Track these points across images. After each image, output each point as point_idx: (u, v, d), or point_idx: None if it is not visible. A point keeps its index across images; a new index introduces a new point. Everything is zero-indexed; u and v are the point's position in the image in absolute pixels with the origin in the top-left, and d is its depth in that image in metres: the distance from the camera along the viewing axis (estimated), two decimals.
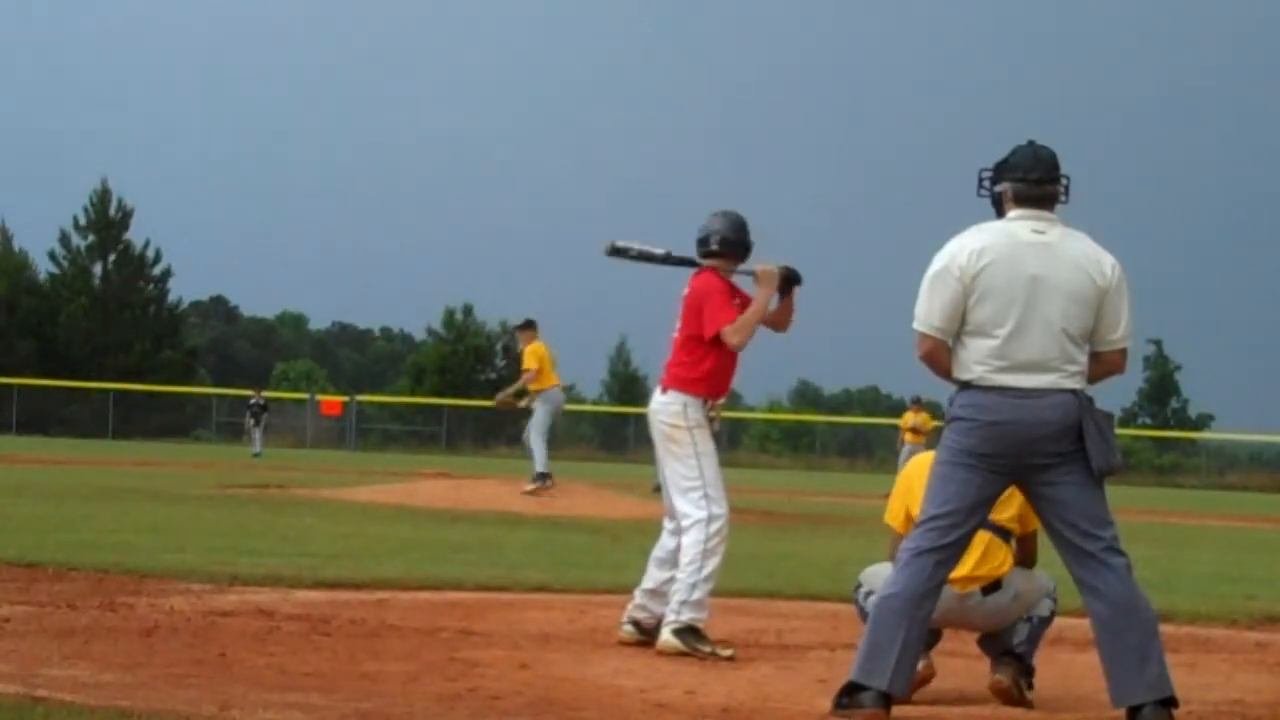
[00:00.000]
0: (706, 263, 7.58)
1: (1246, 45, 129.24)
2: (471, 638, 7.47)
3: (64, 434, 51.80)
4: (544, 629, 7.71)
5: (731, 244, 7.59)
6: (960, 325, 5.62)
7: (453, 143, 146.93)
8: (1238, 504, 35.06)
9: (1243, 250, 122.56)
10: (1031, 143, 5.79)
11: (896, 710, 5.67)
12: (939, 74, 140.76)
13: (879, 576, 6.19)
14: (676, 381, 7.52)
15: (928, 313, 5.65)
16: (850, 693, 5.64)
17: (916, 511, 5.96)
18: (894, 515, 6.48)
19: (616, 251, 7.64)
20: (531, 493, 18.65)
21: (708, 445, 7.47)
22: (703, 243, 7.63)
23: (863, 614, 6.23)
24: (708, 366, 7.48)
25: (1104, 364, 5.71)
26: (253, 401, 44.10)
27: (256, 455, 39.38)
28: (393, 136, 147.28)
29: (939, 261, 5.66)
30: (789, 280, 7.56)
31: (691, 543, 7.30)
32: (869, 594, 6.27)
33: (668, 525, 7.55)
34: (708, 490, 7.38)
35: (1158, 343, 70.37)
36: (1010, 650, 6.33)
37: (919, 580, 5.62)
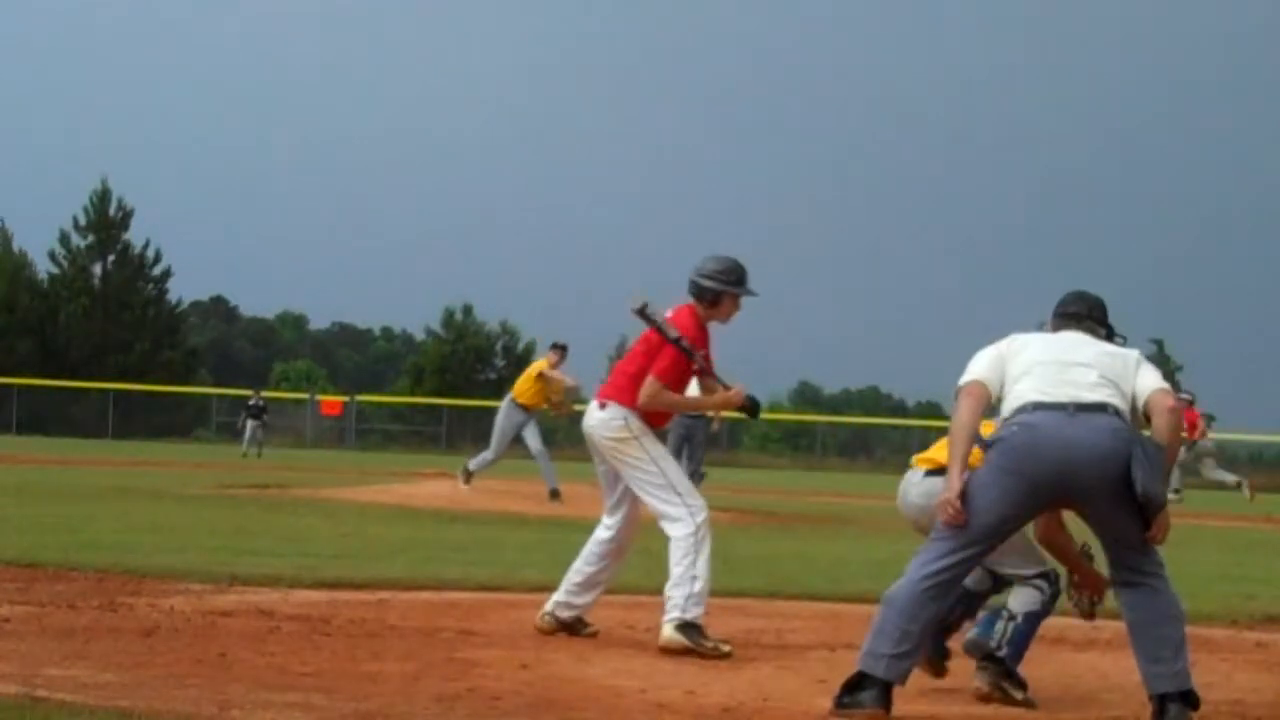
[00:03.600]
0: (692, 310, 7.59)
1: (1248, 45, 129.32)
2: (471, 638, 7.48)
3: (64, 434, 51.79)
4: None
5: (720, 295, 7.57)
6: (1000, 384, 5.82)
7: (453, 143, 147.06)
8: (1238, 504, 35.03)
9: (1243, 250, 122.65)
10: (1081, 292, 6.17)
11: (897, 710, 5.68)
12: (939, 70, 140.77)
13: None
14: (618, 393, 7.55)
15: (972, 369, 5.88)
16: (851, 691, 5.67)
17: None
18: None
19: (642, 314, 7.52)
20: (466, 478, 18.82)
21: (658, 448, 7.54)
22: (695, 285, 7.60)
23: None
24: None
25: (1154, 404, 5.78)
26: (252, 403, 43.94)
27: (244, 455, 39.14)
28: (393, 136, 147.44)
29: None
30: (748, 409, 7.72)
31: (681, 539, 7.33)
32: None
33: (607, 521, 7.67)
34: (677, 488, 7.43)
35: (1158, 343, 70.37)
36: (990, 654, 6.30)
37: (919, 579, 5.67)
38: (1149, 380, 5.82)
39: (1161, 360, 70.39)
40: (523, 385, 18.92)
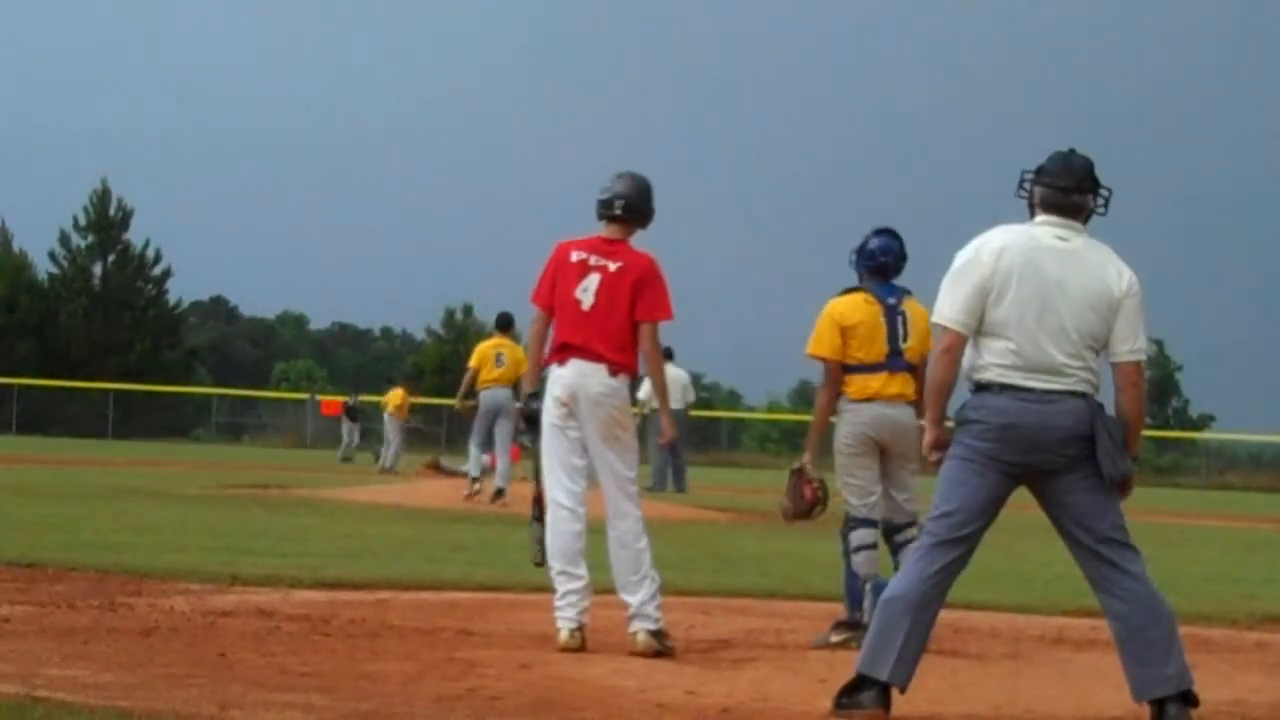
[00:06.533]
0: (606, 229, 7.45)
1: (1248, 43, 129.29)
2: (471, 638, 7.48)
3: (64, 434, 51.75)
4: (544, 629, 7.69)
5: (635, 210, 7.47)
6: (978, 325, 5.68)
7: (453, 143, 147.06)
8: (1238, 504, 35.04)
9: (1243, 250, 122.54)
10: (1071, 150, 5.86)
11: (896, 710, 5.68)
12: (931, 66, 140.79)
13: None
14: (626, 370, 7.37)
15: (950, 306, 5.70)
16: (851, 692, 5.68)
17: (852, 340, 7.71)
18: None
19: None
20: (468, 496, 18.52)
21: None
22: (605, 205, 7.45)
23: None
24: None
25: (1123, 375, 5.73)
26: (349, 404, 43.28)
27: (343, 460, 38.29)
28: (393, 137, 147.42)
29: (962, 257, 5.75)
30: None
31: (639, 534, 7.32)
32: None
33: (579, 510, 7.37)
34: (636, 484, 7.44)
35: (1158, 343, 70.31)
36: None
37: (922, 579, 5.66)
38: (1123, 343, 5.68)
39: (1161, 361, 70.44)
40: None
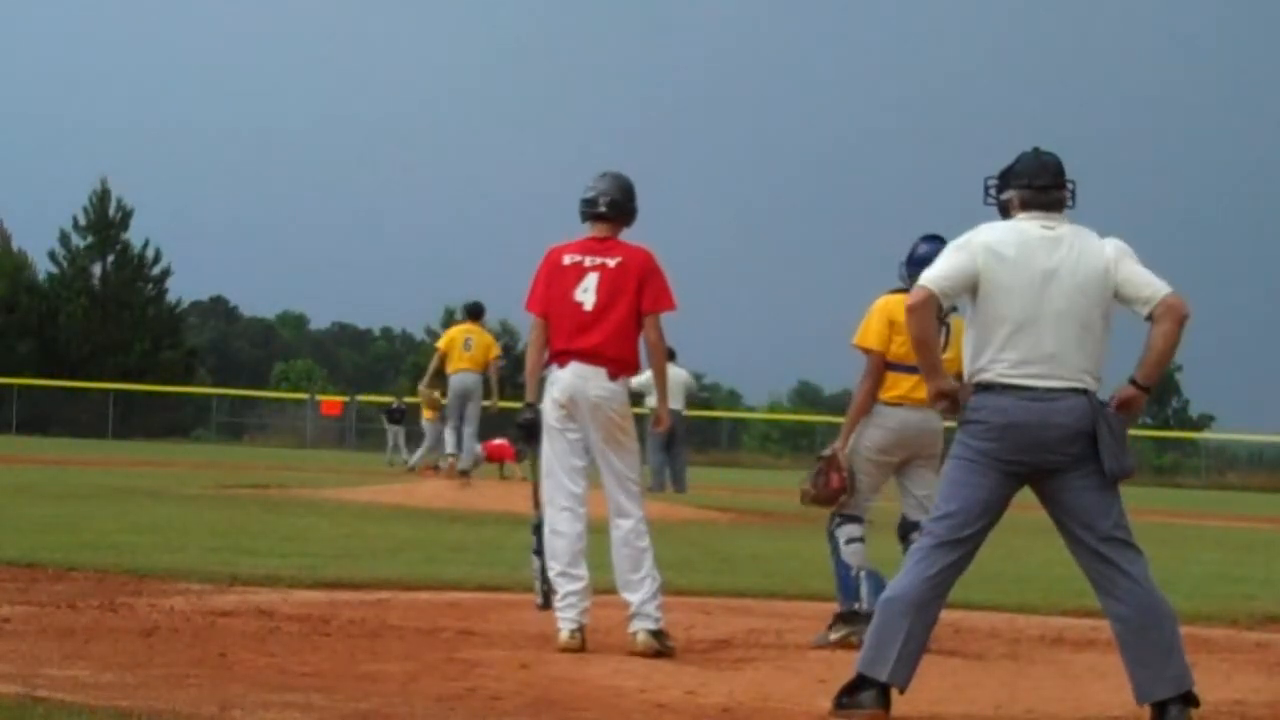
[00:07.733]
0: (593, 229, 7.44)
1: (1248, 43, 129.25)
2: (471, 638, 7.48)
3: (64, 434, 51.74)
4: (544, 629, 7.69)
5: (620, 207, 7.46)
6: (975, 319, 5.70)
7: (452, 143, 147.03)
8: (1238, 504, 35.05)
9: (1243, 250, 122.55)
10: (1036, 149, 5.89)
11: (896, 710, 5.68)
12: (933, 69, 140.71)
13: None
14: (628, 368, 7.38)
15: (934, 269, 5.72)
16: (851, 692, 5.68)
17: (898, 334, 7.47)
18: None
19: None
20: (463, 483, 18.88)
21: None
22: (590, 203, 7.45)
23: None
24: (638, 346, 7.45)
25: (1164, 305, 5.64)
26: (394, 407, 42.90)
27: (405, 464, 37.99)
28: (392, 137, 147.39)
29: (959, 239, 5.78)
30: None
31: (642, 532, 7.31)
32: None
33: (579, 510, 7.38)
34: (639, 477, 7.43)
35: None
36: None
37: (922, 579, 5.66)
38: (1144, 289, 5.66)
39: None
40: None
